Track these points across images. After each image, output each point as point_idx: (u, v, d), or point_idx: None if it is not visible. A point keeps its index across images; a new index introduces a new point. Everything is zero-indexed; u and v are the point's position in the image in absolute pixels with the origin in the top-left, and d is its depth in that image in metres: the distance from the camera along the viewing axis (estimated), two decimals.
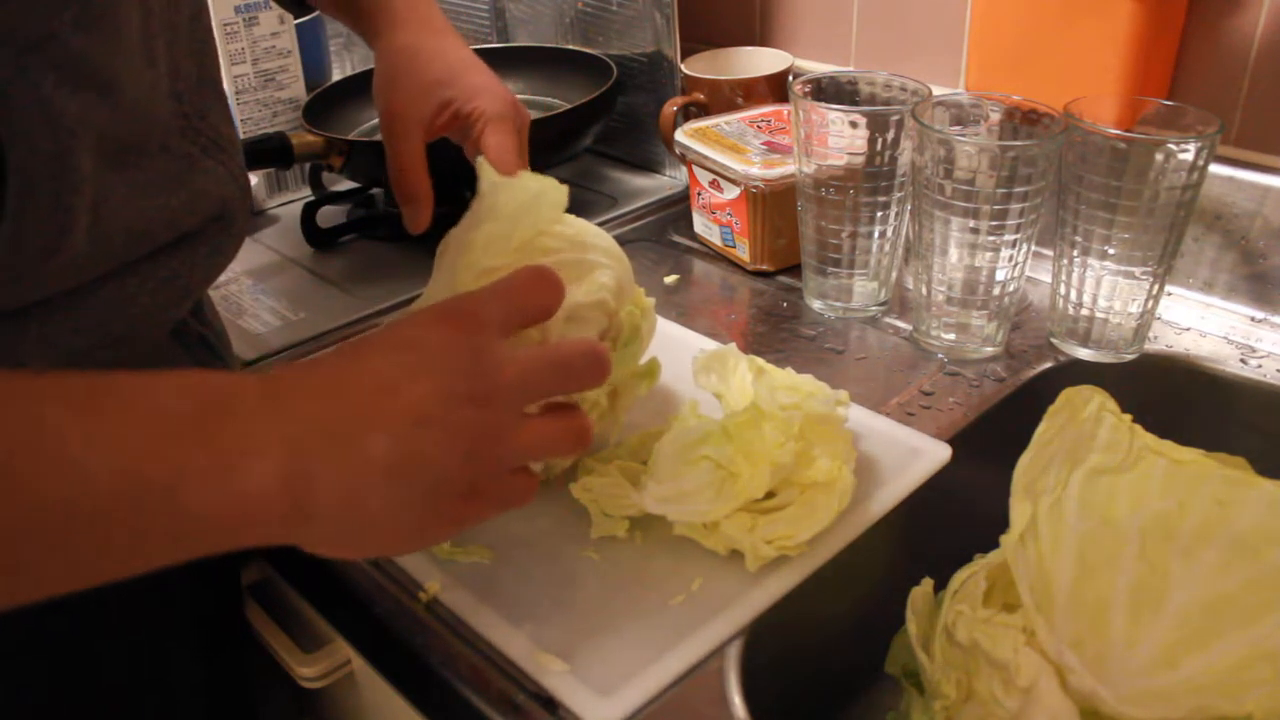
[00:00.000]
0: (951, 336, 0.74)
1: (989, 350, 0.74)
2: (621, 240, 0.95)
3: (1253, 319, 0.77)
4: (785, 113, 0.91)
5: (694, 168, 0.89)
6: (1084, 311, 0.72)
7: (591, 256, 0.58)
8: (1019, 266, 0.71)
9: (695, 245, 0.93)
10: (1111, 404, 0.59)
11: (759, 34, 1.06)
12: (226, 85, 1.00)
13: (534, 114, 1.06)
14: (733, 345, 0.65)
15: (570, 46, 1.11)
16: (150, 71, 0.51)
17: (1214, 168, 0.73)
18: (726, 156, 0.84)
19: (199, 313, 0.67)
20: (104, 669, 0.59)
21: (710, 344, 0.74)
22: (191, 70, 0.56)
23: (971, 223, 0.68)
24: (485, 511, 0.46)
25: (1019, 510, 0.54)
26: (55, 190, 0.46)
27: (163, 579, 0.62)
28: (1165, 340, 0.76)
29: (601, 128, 1.02)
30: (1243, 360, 0.73)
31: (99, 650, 0.58)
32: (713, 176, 0.87)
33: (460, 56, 0.72)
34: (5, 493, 0.34)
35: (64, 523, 0.35)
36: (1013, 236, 0.69)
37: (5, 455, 0.34)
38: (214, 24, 0.97)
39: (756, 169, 0.82)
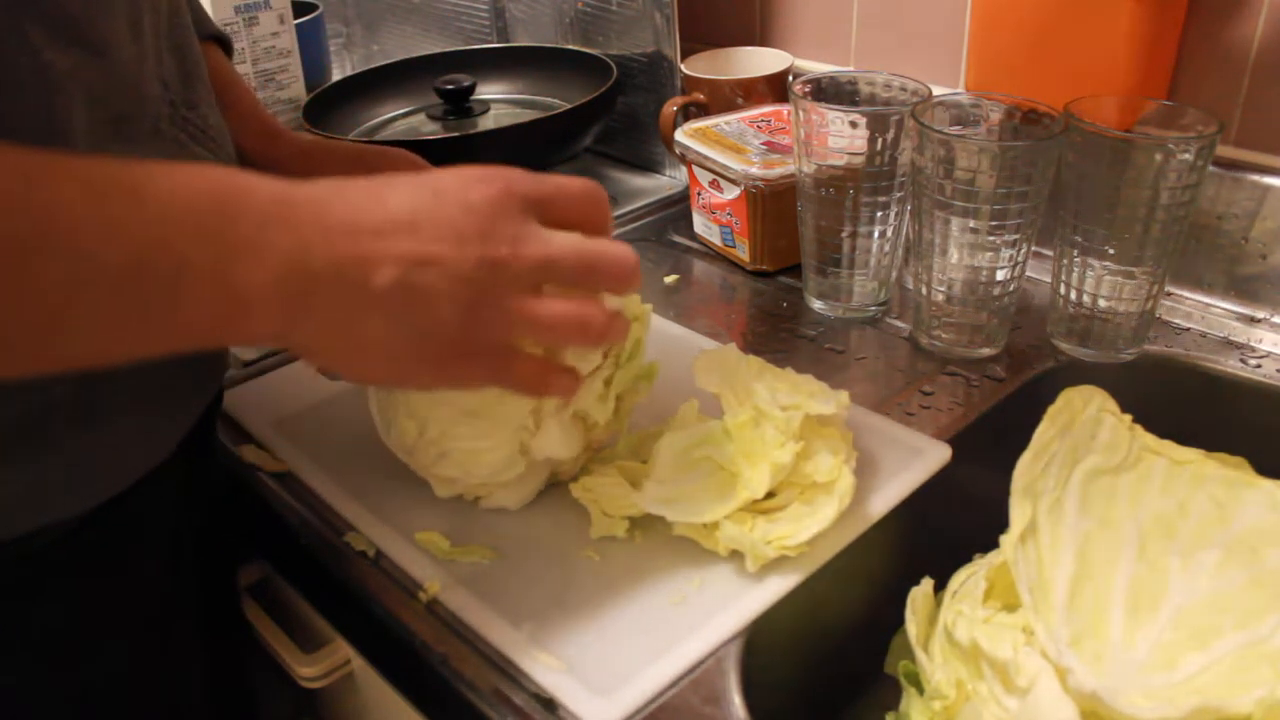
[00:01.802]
0: (951, 336, 0.74)
1: (989, 350, 0.74)
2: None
3: (1252, 319, 0.77)
4: (785, 113, 0.91)
5: (694, 168, 0.89)
6: (1084, 311, 0.72)
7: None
8: (1019, 266, 0.71)
9: (695, 245, 0.93)
10: (1111, 404, 0.59)
11: (759, 34, 1.06)
12: None
13: (534, 114, 1.06)
14: (733, 345, 0.65)
15: (570, 46, 1.11)
16: (137, 45, 0.51)
17: (1214, 168, 0.73)
18: (726, 156, 0.84)
19: None
20: (102, 668, 0.59)
21: (710, 344, 0.74)
22: (172, 63, 0.55)
23: (971, 223, 0.68)
24: (476, 374, 0.46)
25: (1019, 510, 0.54)
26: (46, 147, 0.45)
27: (161, 582, 0.62)
28: (1165, 340, 0.76)
29: (601, 128, 1.02)
30: (1243, 360, 0.73)
31: (96, 650, 0.58)
32: (713, 176, 0.87)
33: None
34: (16, 269, 0.36)
35: (67, 304, 0.37)
36: (1013, 236, 0.69)
37: (22, 234, 0.36)
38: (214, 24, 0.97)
39: (756, 169, 0.82)
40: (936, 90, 0.73)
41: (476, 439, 0.56)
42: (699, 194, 0.90)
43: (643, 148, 1.08)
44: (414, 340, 0.43)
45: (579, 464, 0.62)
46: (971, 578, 0.55)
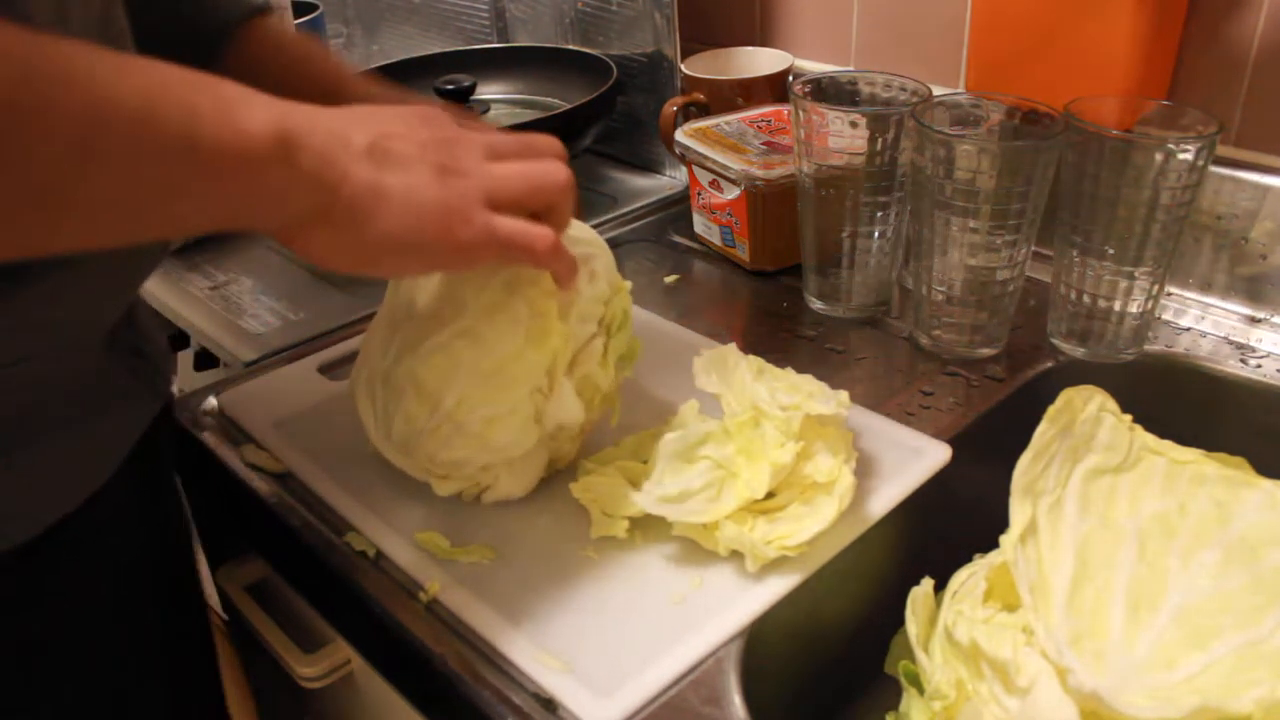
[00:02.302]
0: (951, 336, 0.74)
1: (989, 350, 0.74)
2: (621, 240, 0.96)
3: (1252, 319, 0.77)
4: (785, 113, 0.91)
5: (694, 168, 0.89)
6: (1084, 311, 0.72)
7: (581, 249, 0.59)
8: (1019, 266, 0.71)
9: (695, 245, 0.93)
10: (1111, 404, 0.59)
11: (759, 34, 1.06)
12: None
13: (534, 114, 1.06)
14: (733, 345, 0.65)
15: (570, 46, 1.11)
16: (62, 29, 0.49)
17: (1214, 168, 0.73)
18: (726, 156, 0.84)
19: (131, 321, 0.63)
20: (67, 682, 0.59)
21: (710, 344, 0.74)
22: None
23: (971, 223, 0.68)
24: (468, 237, 0.49)
25: (1019, 510, 0.54)
26: None
27: (110, 613, 0.60)
28: (1165, 340, 0.76)
29: (601, 128, 1.02)
30: (1242, 360, 0.73)
31: (41, 691, 0.58)
32: (713, 176, 0.87)
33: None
34: (45, 102, 0.37)
35: (91, 140, 0.39)
36: (1013, 236, 0.69)
37: (47, 72, 0.38)
38: None
39: (756, 169, 0.82)
40: (936, 90, 0.73)
41: (494, 404, 0.56)
42: (699, 194, 0.90)
43: (643, 148, 1.08)
44: (403, 204, 0.47)
45: (576, 446, 0.62)
46: (971, 578, 0.55)
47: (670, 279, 0.88)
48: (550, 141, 0.55)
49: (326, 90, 0.67)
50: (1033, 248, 0.71)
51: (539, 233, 0.51)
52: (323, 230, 0.47)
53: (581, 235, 0.60)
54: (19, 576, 0.54)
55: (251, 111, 0.43)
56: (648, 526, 0.58)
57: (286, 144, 0.44)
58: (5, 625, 0.55)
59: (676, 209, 1.00)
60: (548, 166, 0.53)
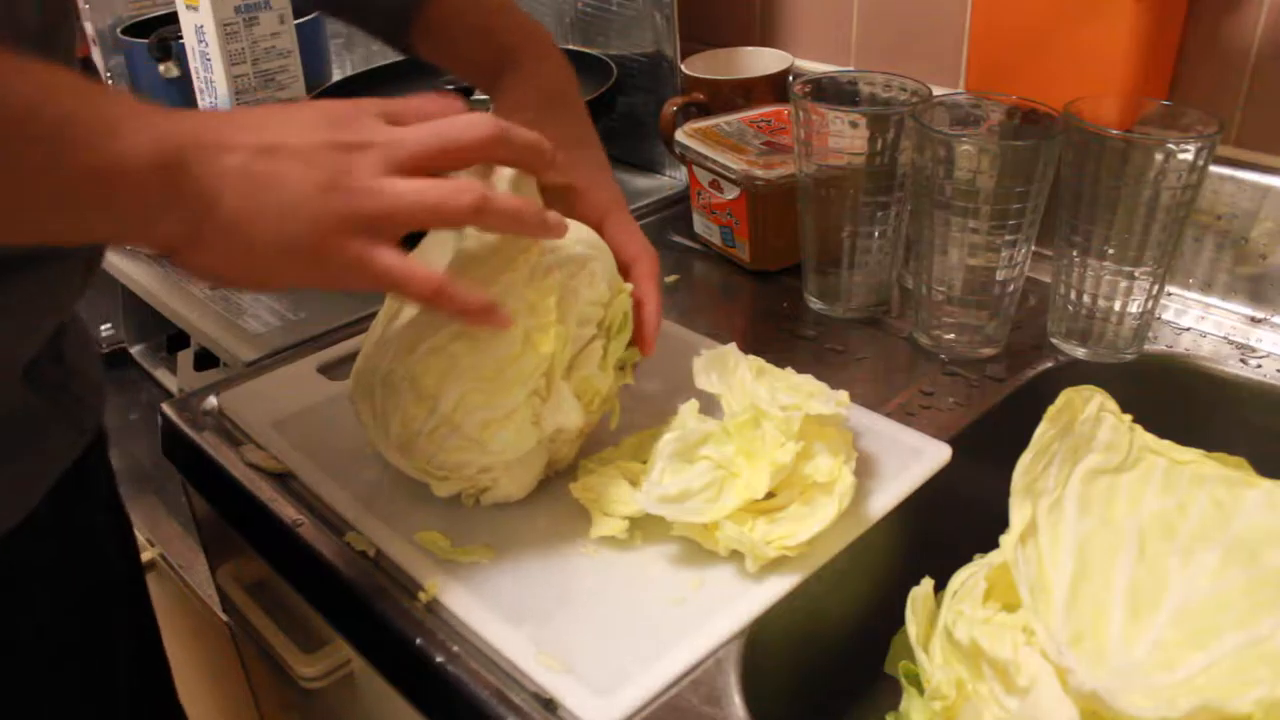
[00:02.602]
0: (951, 336, 0.74)
1: (989, 350, 0.74)
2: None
3: (1252, 319, 0.77)
4: (785, 113, 0.91)
5: (694, 168, 0.89)
6: (1084, 311, 0.73)
7: (580, 250, 0.58)
8: (1019, 266, 0.71)
9: (695, 245, 0.93)
10: (1111, 404, 0.59)
11: (759, 34, 1.06)
12: (226, 85, 1.00)
13: None
14: (733, 345, 0.65)
15: (570, 46, 1.11)
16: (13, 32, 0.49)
17: (1214, 168, 0.73)
18: (726, 156, 0.84)
19: (57, 354, 0.61)
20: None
21: (710, 344, 0.74)
22: None
23: (971, 223, 0.68)
24: (338, 266, 0.47)
25: (1019, 510, 0.54)
26: None
27: (44, 646, 0.60)
28: (1165, 340, 0.76)
29: (601, 128, 1.01)
30: (1242, 360, 0.73)
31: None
32: (713, 176, 0.87)
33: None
34: None
35: None
36: (1013, 236, 0.69)
37: None
38: (214, 24, 0.97)
39: (756, 169, 0.82)
40: (936, 90, 0.73)
41: (492, 407, 0.55)
42: (699, 194, 0.90)
43: (643, 148, 1.08)
44: (273, 225, 0.45)
45: (576, 448, 0.62)
46: (971, 578, 0.55)
47: (670, 279, 0.88)
48: (470, 122, 0.50)
49: (493, 64, 0.66)
50: (1033, 248, 0.71)
51: (419, 277, 0.48)
52: (199, 248, 0.45)
53: (580, 237, 0.60)
54: None
55: (133, 131, 0.42)
56: (648, 526, 0.58)
57: (166, 166, 0.43)
58: None
59: (676, 209, 1.00)
60: (461, 120, 0.49)
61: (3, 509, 0.56)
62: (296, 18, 1.04)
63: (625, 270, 0.62)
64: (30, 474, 0.57)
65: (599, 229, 0.62)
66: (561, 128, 0.64)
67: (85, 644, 0.65)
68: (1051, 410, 0.57)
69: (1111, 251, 0.69)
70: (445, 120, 0.49)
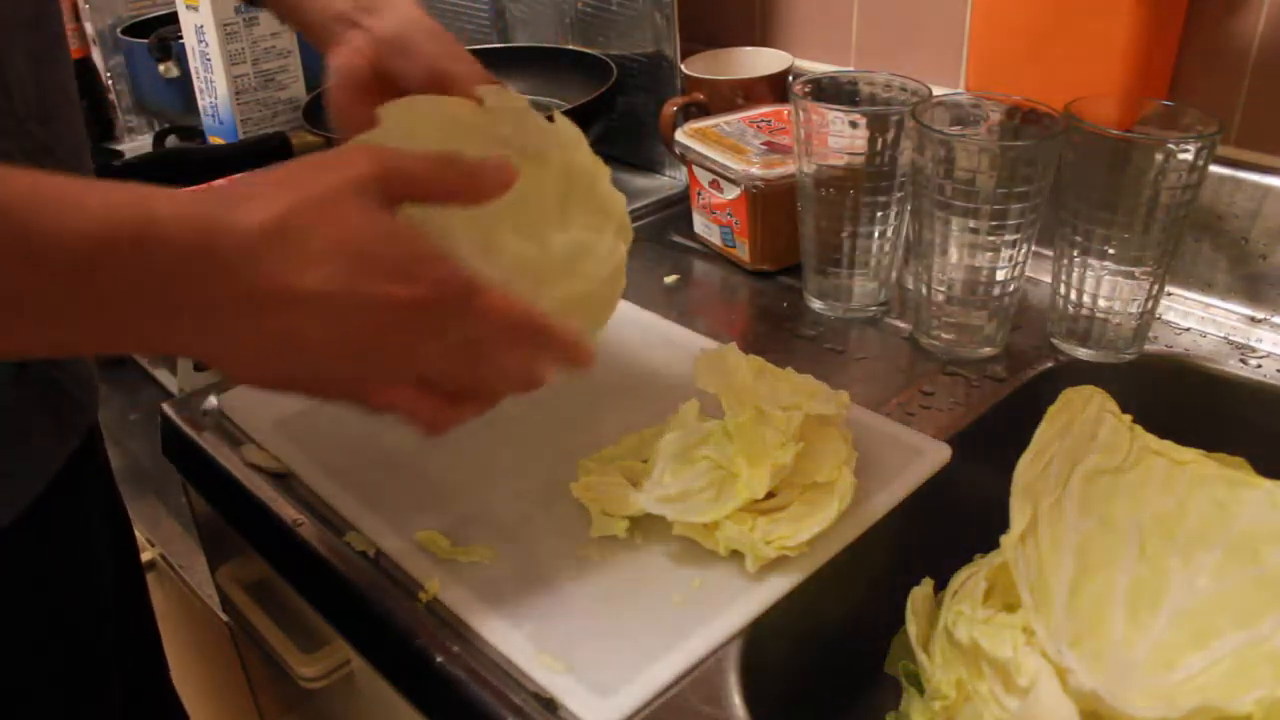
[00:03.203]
0: (951, 336, 0.74)
1: (989, 350, 0.74)
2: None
3: (1252, 319, 0.77)
4: (785, 113, 0.91)
5: (694, 168, 0.89)
6: (1084, 311, 0.73)
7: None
8: (1019, 266, 0.71)
9: (695, 245, 0.93)
10: (1111, 404, 0.59)
11: (759, 34, 1.06)
12: (226, 85, 1.00)
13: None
14: (733, 345, 0.65)
15: (570, 46, 1.11)
16: None
17: (1214, 168, 0.73)
18: (726, 156, 0.84)
19: None
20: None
21: (710, 344, 0.74)
22: (26, 68, 0.52)
23: (971, 223, 0.68)
24: (377, 403, 0.47)
25: (1019, 510, 0.54)
26: None
27: (32, 649, 0.59)
28: (1165, 340, 0.76)
29: (601, 128, 1.02)
30: (1242, 360, 0.73)
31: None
32: (713, 176, 0.87)
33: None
34: None
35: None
36: (1013, 236, 0.69)
37: None
38: (214, 24, 0.97)
39: (756, 169, 0.82)
40: (936, 90, 0.73)
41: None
42: (699, 194, 0.90)
43: (643, 148, 1.08)
44: (303, 371, 0.45)
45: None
46: (971, 578, 0.55)
47: (670, 279, 0.88)
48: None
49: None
50: (1033, 248, 0.71)
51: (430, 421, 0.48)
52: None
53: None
54: None
55: (164, 301, 0.40)
56: (648, 526, 0.58)
57: (197, 334, 0.41)
58: None
59: (676, 209, 1.00)
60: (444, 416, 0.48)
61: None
62: None
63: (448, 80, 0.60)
64: (17, 474, 0.56)
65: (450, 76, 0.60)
66: (434, 45, 0.62)
67: (77, 645, 0.64)
68: (1051, 410, 0.57)
69: (1111, 251, 0.69)
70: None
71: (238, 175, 0.44)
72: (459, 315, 0.45)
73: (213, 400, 0.72)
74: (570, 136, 0.58)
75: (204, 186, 0.45)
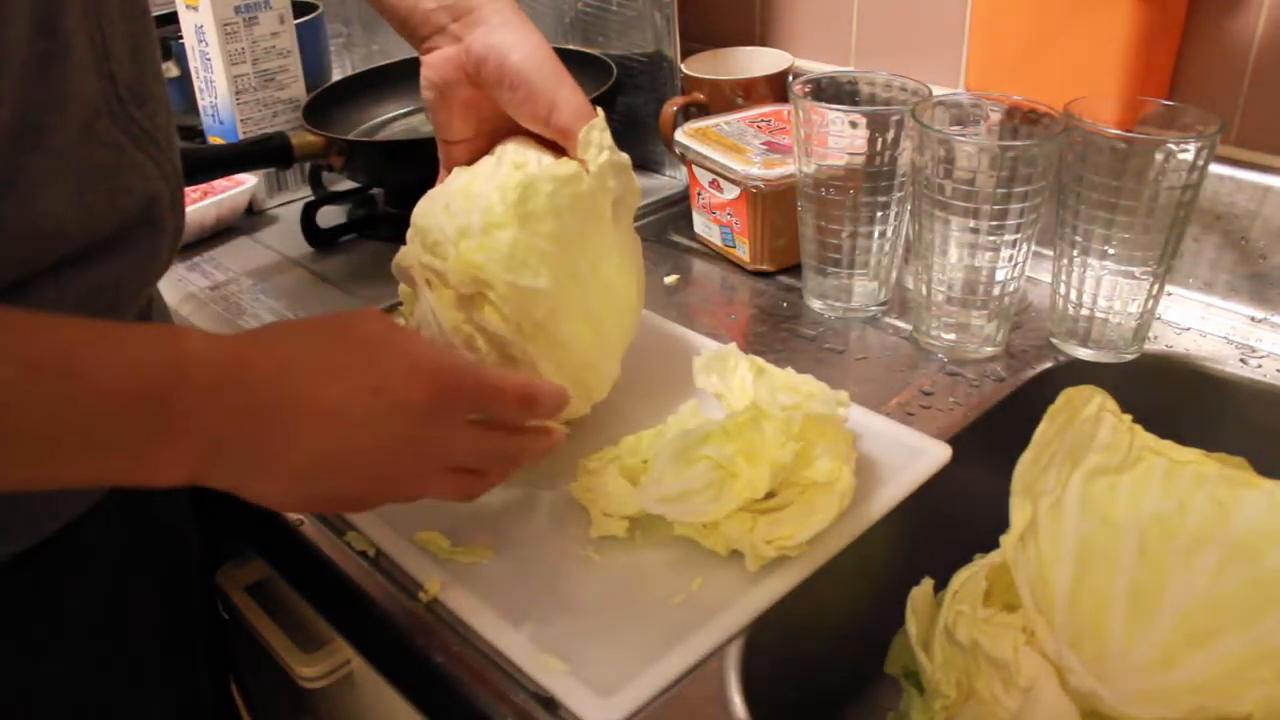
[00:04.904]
0: (951, 336, 0.74)
1: (989, 350, 0.74)
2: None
3: (1252, 319, 0.77)
4: (785, 113, 0.91)
5: (694, 168, 0.89)
6: (1084, 311, 0.72)
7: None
8: (1019, 266, 0.71)
9: (695, 245, 0.93)
10: (1111, 404, 0.59)
11: (759, 34, 1.06)
12: (226, 85, 1.00)
13: None
14: (733, 345, 0.65)
15: (570, 46, 1.11)
16: (49, 40, 0.46)
17: (1214, 168, 0.73)
18: (726, 156, 0.84)
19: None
20: (66, 687, 0.58)
21: (710, 344, 0.74)
22: (125, 52, 0.51)
23: (971, 223, 0.68)
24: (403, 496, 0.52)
25: (1019, 510, 0.54)
26: None
27: (131, 610, 0.60)
28: (1165, 340, 0.76)
29: None
30: (1242, 360, 0.73)
31: (63, 670, 0.57)
32: (713, 176, 0.87)
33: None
34: None
35: None
36: (1013, 236, 0.69)
37: None
38: (214, 24, 0.97)
39: (756, 169, 0.82)
40: (936, 90, 0.73)
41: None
42: (699, 194, 0.90)
43: (643, 148, 1.08)
44: (325, 494, 0.49)
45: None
46: (971, 578, 0.55)
47: (670, 279, 0.88)
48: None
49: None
50: (1033, 248, 0.71)
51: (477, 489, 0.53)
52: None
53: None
54: (20, 581, 0.54)
55: (178, 445, 0.42)
56: (648, 526, 0.58)
57: (203, 471, 0.43)
58: (4, 628, 0.54)
59: (676, 209, 1.00)
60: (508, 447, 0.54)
61: (77, 493, 0.55)
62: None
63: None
64: None
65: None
66: (532, 69, 0.64)
67: (166, 625, 0.66)
68: (1051, 410, 0.57)
69: (1111, 251, 0.69)
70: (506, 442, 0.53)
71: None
72: (471, 400, 0.50)
73: None
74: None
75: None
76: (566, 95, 0.61)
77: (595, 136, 0.61)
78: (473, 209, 0.58)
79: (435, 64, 0.64)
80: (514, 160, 0.62)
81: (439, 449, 0.49)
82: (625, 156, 0.63)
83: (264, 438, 0.44)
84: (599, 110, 0.62)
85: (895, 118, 0.72)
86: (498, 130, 0.66)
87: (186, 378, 0.41)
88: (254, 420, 0.43)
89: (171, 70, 1.12)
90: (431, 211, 0.61)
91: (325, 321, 0.49)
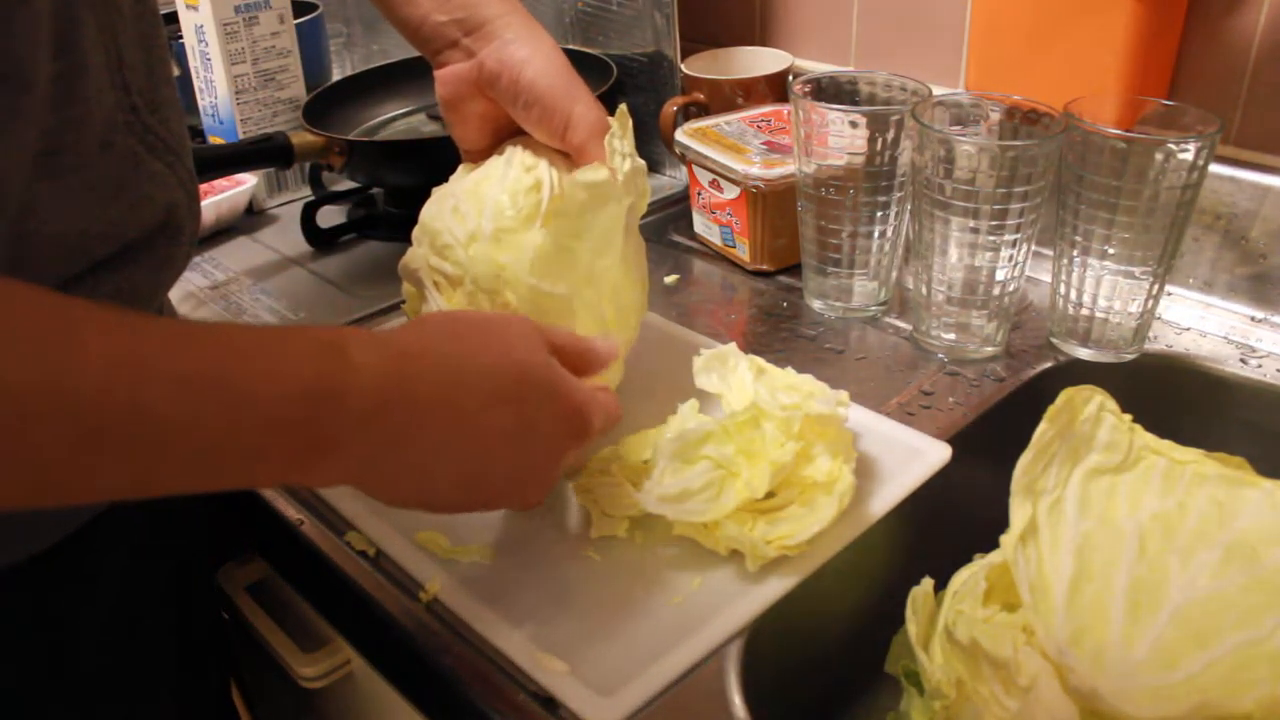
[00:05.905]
0: (951, 336, 0.74)
1: (989, 350, 0.74)
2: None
3: (1252, 319, 0.77)
4: (785, 113, 0.91)
5: (694, 168, 0.89)
6: (1084, 311, 0.72)
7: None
8: (1019, 266, 0.71)
9: (695, 245, 0.93)
10: (1111, 404, 0.59)
11: (759, 34, 1.06)
12: (226, 85, 1.00)
13: None
14: (733, 345, 0.65)
15: (570, 46, 1.11)
16: (67, 60, 0.45)
17: (1214, 168, 0.73)
18: (726, 156, 0.84)
19: None
20: (81, 694, 0.58)
21: (710, 344, 0.74)
22: (138, 59, 0.51)
23: (971, 223, 0.68)
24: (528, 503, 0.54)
25: (1019, 510, 0.54)
26: None
27: (141, 613, 0.60)
28: (1165, 340, 0.76)
29: None
30: (1242, 360, 0.73)
31: (77, 676, 0.57)
32: (713, 176, 0.87)
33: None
34: (92, 454, 0.35)
35: (140, 477, 0.38)
36: (1013, 236, 0.69)
37: (107, 426, 0.35)
38: (214, 24, 0.97)
39: (756, 169, 0.82)
40: (936, 90, 0.73)
41: None
42: (699, 194, 0.90)
43: (643, 148, 1.07)
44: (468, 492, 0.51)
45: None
46: (971, 578, 0.55)
47: (670, 279, 0.88)
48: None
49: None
50: (1033, 248, 0.71)
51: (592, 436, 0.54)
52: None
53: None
54: (31, 589, 0.54)
55: (333, 461, 0.43)
56: (648, 526, 0.58)
57: (358, 479, 0.46)
58: (16, 637, 0.54)
59: (676, 209, 1.00)
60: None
61: None
62: None
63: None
64: None
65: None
66: (546, 84, 0.63)
67: (176, 624, 0.66)
68: (1051, 410, 0.57)
69: (1111, 251, 0.69)
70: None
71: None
72: (550, 400, 0.51)
73: None
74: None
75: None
76: (581, 112, 0.62)
77: (618, 144, 0.62)
78: (483, 212, 0.59)
79: (448, 80, 0.64)
80: (524, 162, 0.62)
81: (559, 464, 0.53)
82: (643, 162, 0.63)
83: (422, 453, 0.46)
84: (623, 108, 0.63)
85: (895, 118, 0.72)
86: (517, 136, 0.67)
87: (346, 395, 0.41)
88: (408, 445, 0.45)
89: (172, 70, 1.12)
90: (440, 214, 0.61)
91: (495, 347, 0.50)
